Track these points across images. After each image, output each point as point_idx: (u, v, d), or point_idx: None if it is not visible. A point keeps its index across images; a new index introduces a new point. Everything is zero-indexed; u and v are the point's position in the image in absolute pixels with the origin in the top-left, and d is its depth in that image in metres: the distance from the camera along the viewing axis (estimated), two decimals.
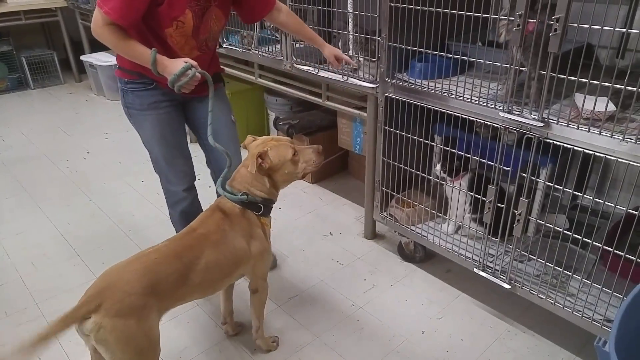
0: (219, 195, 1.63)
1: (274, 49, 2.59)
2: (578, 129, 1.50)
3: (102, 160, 3.44)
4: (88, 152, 3.55)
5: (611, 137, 1.43)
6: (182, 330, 1.94)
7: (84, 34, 5.04)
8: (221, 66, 1.99)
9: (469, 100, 1.76)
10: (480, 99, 1.74)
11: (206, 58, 1.78)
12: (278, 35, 2.48)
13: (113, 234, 2.56)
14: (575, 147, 1.52)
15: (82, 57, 4.74)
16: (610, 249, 1.54)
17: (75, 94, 4.88)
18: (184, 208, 1.99)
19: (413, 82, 1.95)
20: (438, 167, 2.04)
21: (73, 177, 3.19)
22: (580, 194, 1.63)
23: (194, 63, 1.53)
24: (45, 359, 1.78)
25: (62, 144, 3.71)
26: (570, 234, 1.63)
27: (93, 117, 4.30)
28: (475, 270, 1.94)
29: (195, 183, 2.02)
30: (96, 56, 4.62)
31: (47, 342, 1.18)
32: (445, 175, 2.02)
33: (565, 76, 1.47)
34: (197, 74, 1.53)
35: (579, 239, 1.61)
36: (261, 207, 1.59)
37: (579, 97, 1.56)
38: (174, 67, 1.51)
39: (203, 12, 1.64)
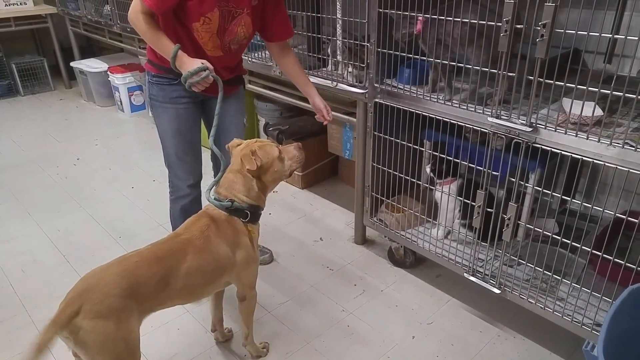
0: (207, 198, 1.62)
1: (263, 54, 2.59)
2: (566, 133, 1.51)
3: (92, 166, 3.41)
4: (78, 159, 3.52)
5: (599, 141, 1.44)
6: (172, 336, 1.92)
7: (74, 40, 5.02)
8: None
9: (457, 106, 1.77)
10: (469, 104, 1.75)
11: (229, 60, 1.84)
12: None
13: (103, 240, 2.54)
14: (563, 152, 1.53)
15: (72, 64, 4.72)
16: (599, 253, 1.55)
17: (65, 100, 4.85)
18: (185, 204, 2.01)
19: (402, 87, 1.96)
20: (428, 168, 2.05)
21: (63, 183, 3.17)
22: (569, 198, 1.64)
23: (210, 67, 1.62)
24: None
25: (52, 150, 3.68)
26: (559, 238, 1.64)
27: (83, 124, 4.27)
28: (465, 275, 1.94)
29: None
30: (86, 62, 4.60)
31: (43, 353, 1.17)
32: (434, 177, 2.03)
33: (552, 81, 1.49)
34: (210, 76, 1.62)
35: (568, 243, 1.61)
36: (248, 213, 1.58)
37: (566, 102, 1.58)
38: (190, 65, 1.60)
39: (232, 17, 1.71)
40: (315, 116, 2.01)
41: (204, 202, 1.64)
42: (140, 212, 2.81)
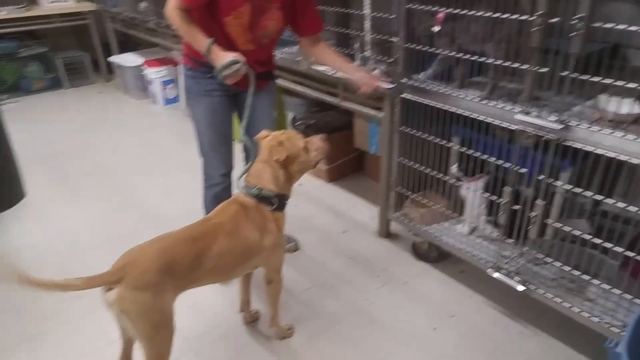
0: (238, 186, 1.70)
1: (292, 49, 2.64)
2: (600, 131, 1.47)
3: (129, 156, 3.56)
4: (116, 149, 3.68)
5: (637, 139, 1.39)
6: (201, 315, 2.01)
7: (112, 36, 5.22)
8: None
9: (485, 103, 1.77)
10: (497, 100, 1.74)
11: (261, 53, 1.89)
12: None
13: (139, 225, 2.67)
14: (596, 151, 1.49)
15: (110, 58, 4.91)
16: (633, 254, 1.51)
17: (104, 93, 5.05)
18: (217, 192, 2.09)
19: (429, 83, 1.97)
20: (455, 168, 2.05)
21: (103, 171, 3.32)
22: (602, 199, 1.57)
23: (243, 59, 1.67)
24: (83, 332, 1.89)
25: (92, 140, 3.85)
26: (589, 237, 1.61)
27: (120, 115, 4.44)
28: (489, 271, 1.94)
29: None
30: (123, 57, 4.78)
31: (62, 290, 1.31)
32: (462, 176, 2.03)
33: (588, 77, 1.45)
34: (243, 69, 1.67)
35: (599, 244, 1.59)
36: (274, 201, 1.64)
37: (602, 99, 1.54)
38: (223, 58, 1.66)
39: (263, 11, 1.77)
40: (362, 88, 1.95)
41: (235, 191, 1.71)
42: (174, 199, 2.92)
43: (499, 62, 1.71)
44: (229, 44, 1.78)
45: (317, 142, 1.70)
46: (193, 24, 1.72)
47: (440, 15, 1.80)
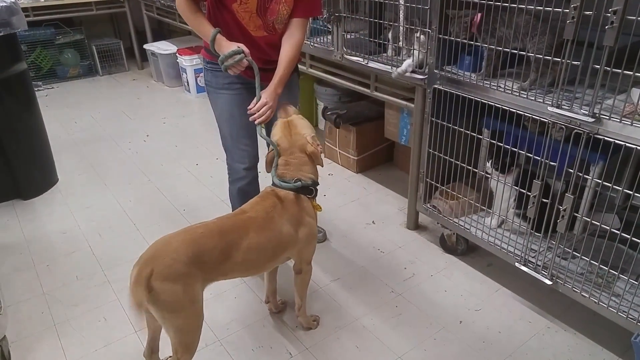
0: (274, 183, 1.67)
1: (325, 39, 2.65)
2: (632, 124, 1.46)
3: (160, 143, 3.65)
4: (148, 136, 3.77)
5: None
6: (229, 304, 2.06)
7: (147, 23, 5.32)
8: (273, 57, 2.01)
9: (517, 94, 1.76)
10: (529, 92, 1.73)
11: (274, 39, 1.87)
12: (330, 27, 2.54)
13: (169, 212, 2.74)
14: (628, 144, 1.48)
15: (145, 46, 5.01)
16: None
17: (137, 80, 5.16)
18: (242, 186, 2.09)
19: (462, 74, 1.96)
20: (488, 164, 2.04)
21: (134, 158, 3.41)
22: (632, 193, 1.57)
23: (246, 50, 1.66)
24: (110, 319, 1.97)
25: (125, 127, 3.96)
26: (618, 232, 1.60)
27: (153, 103, 4.54)
28: (517, 264, 1.93)
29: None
30: (158, 45, 4.87)
31: (141, 311, 1.37)
32: (496, 172, 2.01)
33: (620, 70, 1.44)
34: (245, 60, 1.66)
35: (628, 239, 1.57)
36: (313, 189, 1.67)
37: (635, 92, 1.52)
38: (226, 48, 1.67)
39: None
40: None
41: (263, 184, 1.71)
42: (204, 187, 2.99)
43: (532, 55, 1.69)
44: (242, 32, 1.78)
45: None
46: (200, 14, 1.73)
47: (477, 19, 1.80)
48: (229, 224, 1.55)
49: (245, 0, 1.73)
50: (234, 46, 1.66)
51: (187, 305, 1.41)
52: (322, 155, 1.72)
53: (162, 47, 4.77)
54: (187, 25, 4.39)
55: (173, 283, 1.35)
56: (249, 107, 1.75)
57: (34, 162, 2.89)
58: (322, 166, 1.73)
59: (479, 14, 1.82)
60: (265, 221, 1.57)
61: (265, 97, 1.75)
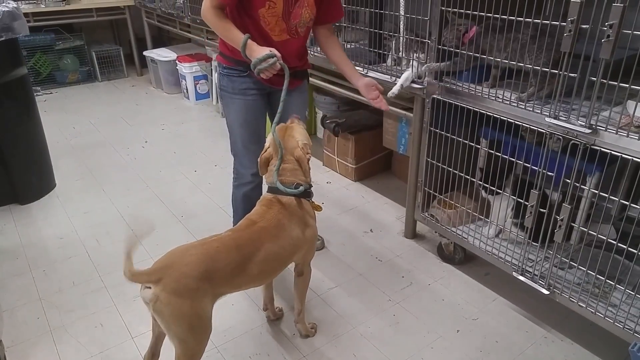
0: (275, 189, 1.66)
1: None
2: (628, 136, 1.48)
3: (158, 149, 3.65)
4: (146, 142, 3.78)
5: None
6: (227, 311, 2.06)
7: (147, 31, 5.35)
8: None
9: (516, 105, 1.78)
10: (527, 103, 1.75)
11: (295, 44, 1.91)
12: None
13: (167, 219, 2.73)
14: (624, 155, 1.50)
15: (144, 53, 5.04)
16: None
17: (136, 86, 5.18)
18: (247, 191, 2.11)
19: (460, 84, 1.98)
20: (483, 192, 2.10)
21: (132, 163, 3.42)
22: (628, 204, 1.59)
23: (278, 55, 1.70)
24: (106, 325, 1.96)
25: (123, 133, 3.97)
26: (615, 243, 1.61)
27: (152, 109, 4.55)
28: (514, 274, 1.94)
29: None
30: (157, 52, 4.90)
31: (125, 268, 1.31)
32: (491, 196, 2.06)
33: (616, 83, 1.47)
34: (278, 63, 1.69)
35: (624, 249, 1.58)
36: (310, 193, 1.71)
37: (631, 105, 1.55)
38: (259, 52, 1.70)
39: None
40: (372, 100, 1.98)
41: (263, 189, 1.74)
42: (202, 194, 2.99)
43: (530, 66, 1.71)
44: (264, 38, 1.82)
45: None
46: (228, 22, 1.76)
47: (472, 32, 1.84)
48: (245, 237, 1.53)
49: (272, 5, 1.77)
50: (266, 50, 1.69)
51: (194, 319, 1.39)
52: (309, 164, 1.73)
53: (161, 54, 4.80)
54: (187, 33, 4.50)
55: (179, 297, 1.34)
56: (371, 97, 1.96)
57: (32, 167, 2.89)
58: (308, 172, 1.73)
59: (475, 28, 1.85)
60: (278, 229, 1.58)
61: (364, 83, 1.97)
